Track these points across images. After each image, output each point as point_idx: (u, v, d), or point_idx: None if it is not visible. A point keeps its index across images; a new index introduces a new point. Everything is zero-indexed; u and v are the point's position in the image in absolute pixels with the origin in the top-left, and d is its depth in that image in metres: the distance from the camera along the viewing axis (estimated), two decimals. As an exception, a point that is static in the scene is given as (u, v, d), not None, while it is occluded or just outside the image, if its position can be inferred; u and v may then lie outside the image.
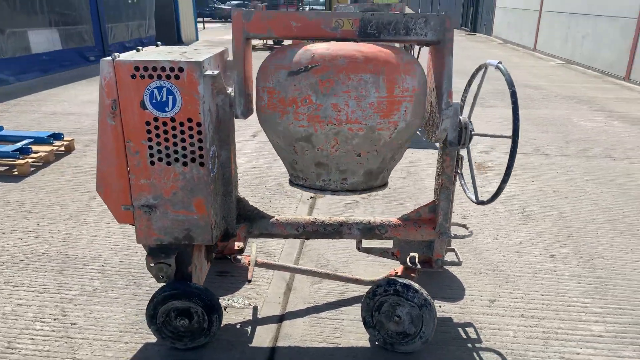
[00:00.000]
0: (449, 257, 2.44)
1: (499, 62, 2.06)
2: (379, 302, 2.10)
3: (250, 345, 2.16)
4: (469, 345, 2.18)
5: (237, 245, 2.68)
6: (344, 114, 1.83)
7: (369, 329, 2.15)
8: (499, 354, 2.12)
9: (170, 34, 14.68)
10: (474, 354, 2.12)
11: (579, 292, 2.58)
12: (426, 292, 2.05)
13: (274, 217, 2.33)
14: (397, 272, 2.50)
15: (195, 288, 2.05)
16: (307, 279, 2.66)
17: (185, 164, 1.94)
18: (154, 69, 1.81)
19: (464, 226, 2.44)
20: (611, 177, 4.25)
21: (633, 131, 5.79)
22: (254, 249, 2.53)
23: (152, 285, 2.57)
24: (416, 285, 2.07)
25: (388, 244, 2.36)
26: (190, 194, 1.99)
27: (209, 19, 28.43)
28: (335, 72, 1.81)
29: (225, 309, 2.38)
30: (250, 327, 2.28)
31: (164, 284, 2.10)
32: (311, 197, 3.76)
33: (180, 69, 1.81)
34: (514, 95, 1.92)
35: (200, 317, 2.07)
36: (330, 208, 3.58)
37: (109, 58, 1.81)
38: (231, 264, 2.76)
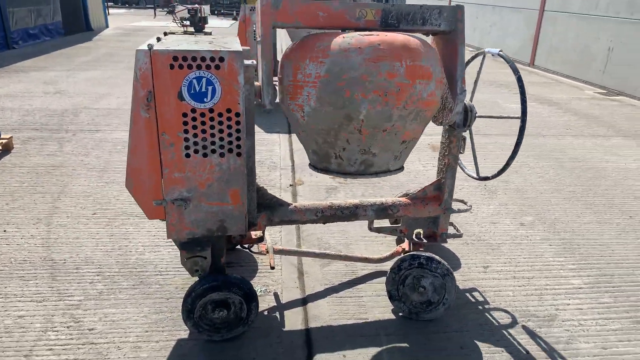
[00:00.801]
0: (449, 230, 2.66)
1: (500, 50, 2.28)
2: (404, 276, 2.26)
3: (284, 329, 2.22)
4: (479, 307, 2.41)
5: (255, 234, 2.67)
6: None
7: (395, 301, 2.30)
8: (507, 312, 2.38)
9: (78, 21, 13.57)
10: (487, 314, 2.36)
11: (552, 252, 2.94)
12: (447, 263, 2.24)
13: (292, 204, 2.37)
14: (403, 248, 2.67)
15: (234, 278, 2.06)
16: (315, 262, 2.74)
17: (222, 154, 1.93)
18: (194, 59, 1.78)
19: (462, 201, 2.66)
20: (546, 152, 4.79)
21: (551, 111, 6.51)
22: (268, 238, 2.56)
23: (160, 283, 2.50)
24: (438, 257, 2.25)
25: (387, 223, 2.52)
26: (226, 185, 1.98)
27: (111, 3, 26.61)
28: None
29: (246, 298, 2.40)
30: (277, 312, 2.32)
31: (199, 277, 2.08)
32: (290, 185, 3.81)
33: (222, 59, 1.79)
34: (520, 80, 2.15)
35: (237, 307, 2.08)
36: (313, 194, 3.66)
37: (145, 47, 1.74)
38: (235, 254, 2.77)
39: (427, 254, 2.26)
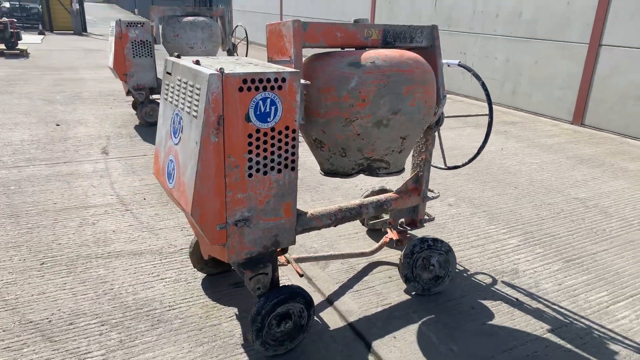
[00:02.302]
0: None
1: (459, 61, 2.78)
2: (416, 258, 2.60)
3: (330, 329, 2.35)
4: (465, 275, 2.89)
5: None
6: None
7: (410, 283, 2.62)
8: (484, 274, 2.91)
9: None
10: (473, 279, 2.84)
11: (484, 222, 3.62)
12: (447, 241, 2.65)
13: (308, 212, 2.51)
14: (390, 238, 3.00)
15: (296, 287, 2.12)
16: (313, 266, 2.89)
17: (279, 170, 2.00)
18: (260, 80, 1.83)
19: (431, 191, 3.11)
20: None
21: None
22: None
23: (181, 317, 2.38)
24: (440, 238, 2.64)
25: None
26: (281, 199, 2.05)
27: None
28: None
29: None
30: (313, 316, 2.44)
31: (259, 295, 2.09)
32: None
33: (284, 79, 1.88)
34: (484, 85, 2.67)
35: (297, 316, 2.15)
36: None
37: (216, 72, 1.73)
38: (238, 274, 2.75)
39: (432, 236, 2.64)
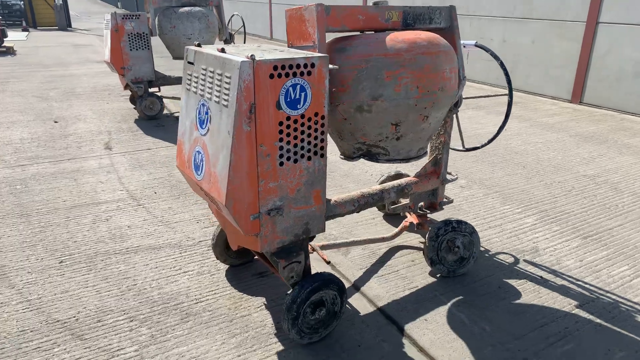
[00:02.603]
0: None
1: (476, 42, 2.76)
2: (441, 241, 2.59)
3: (361, 314, 2.35)
4: (487, 256, 2.89)
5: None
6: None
7: (436, 265, 2.62)
8: (506, 253, 2.91)
9: None
10: (495, 259, 2.85)
11: (498, 202, 3.62)
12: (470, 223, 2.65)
13: (331, 199, 2.49)
14: (411, 222, 3.00)
15: (328, 275, 2.11)
16: (335, 253, 2.88)
17: (309, 158, 1.97)
18: (290, 66, 1.79)
19: (449, 173, 3.11)
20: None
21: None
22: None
23: (209, 309, 2.36)
24: (463, 219, 2.64)
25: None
26: (311, 187, 2.02)
27: None
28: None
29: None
30: (342, 303, 2.43)
31: (293, 283, 2.08)
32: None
33: (312, 65, 1.84)
34: (502, 64, 2.65)
35: (330, 303, 2.14)
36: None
37: (248, 59, 1.69)
38: (261, 263, 2.74)
39: (456, 218, 2.64)
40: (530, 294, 2.52)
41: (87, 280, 2.60)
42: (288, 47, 2.26)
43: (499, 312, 2.37)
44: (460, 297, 2.48)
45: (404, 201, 3.11)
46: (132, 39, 5.46)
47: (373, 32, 2.36)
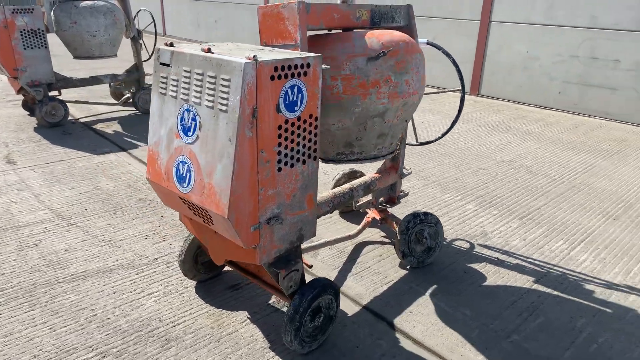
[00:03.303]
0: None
1: (427, 40, 2.86)
2: (410, 233, 2.67)
3: (349, 315, 2.33)
4: (444, 244, 3.04)
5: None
6: (411, 87, 2.25)
7: (407, 258, 2.70)
8: (461, 239, 3.09)
9: None
10: (453, 246, 3.01)
11: (438, 192, 3.83)
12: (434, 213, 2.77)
13: (307, 201, 2.43)
14: (373, 217, 3.04)
15: (324, 280, 2.05)
16: (304, 255, 2.82)
17: (304, 162, 1.90)
18: (289, 67, 1.70)
19: (404, 167, 3.20)
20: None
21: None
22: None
23: (191, 331, 2.18)
24: (429, 211, 2.74)
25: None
26: (305, 191, 1.96)
27: None
28: (404, 54, 2.19)
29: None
30: (326, 306, 2.39)
31: (293, 292, 2.00)
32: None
33: (308, 65, 1.77)
34: (454, 62, 2.78)
35: (326, 308, 2.09)
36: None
37: (250, 60, 1.57)
38: (233, 276, 2.60)
39: (422, 210, 2.73)
40: (493, 276, 2.71)
41: (34, 317, 2.25)
42: (262, 45, 2.15)
43: (472, 296, 2.52)
44: (435, 286, 2.59)
45: (365, 198, 3.15)
46: (26, 37, 4.80)
47: (340, 31, 2.36)
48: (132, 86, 6.01)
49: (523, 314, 2.38)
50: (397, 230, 2.69)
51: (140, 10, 6.05)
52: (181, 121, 1.82)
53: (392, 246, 2.97)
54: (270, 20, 2.09)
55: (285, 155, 1.81)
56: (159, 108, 1.91)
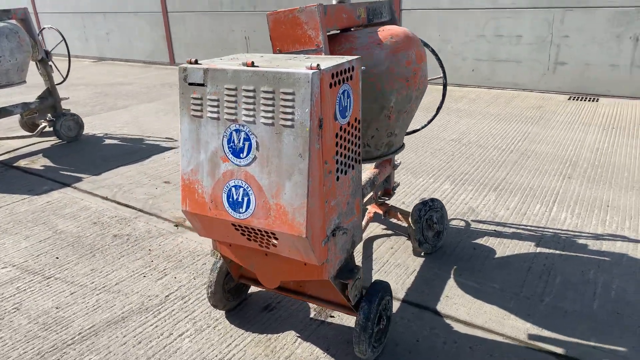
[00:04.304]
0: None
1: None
2: (423, 221, 2.73)
3: (394, 312, 2.33)
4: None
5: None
6: (424, 75, 2.29)
7: (423, 245, 2.76)
8: (457, 219, 3.23)
9: None
10: (451, 226, 3.13)
11: (412, 177, 3.95)
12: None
13: (330, 207, 2.38)
14: (375, 212, 3.05)
15: (380, 281, 2.03)
16: (319, 263, 2.76)
17: (353, 167, 1.85)
18: (341, 72, 1.64)
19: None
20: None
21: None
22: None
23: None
24: (435, 197, 2.83)
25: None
26: (354, 197, 1.92)
27: None
28: (418, 47, 2.22)
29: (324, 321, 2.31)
30: (367, 307, 2.37)
31: (358, 301, 1.94)
32: (176, 226, 3.30)
33: (353, 68, 1.72)
34: (434, 51, 2.88)
35: (386, 309, 2.07)
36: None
37: (315, 70, 1.49)
38: (260, 297, 2.48)
39: (429, 197, 2.80)
40: (499, 247, 2.88)
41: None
42: (275, 53, 2.05)
43: (492, 270, 2.65)
44: (455, 267, 2.69)
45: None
46: None
47: (339, 31, 2.33)
48: (46, 114, 5.39)
49: (542, 277, 2.56)
50: (410, 220, 2.74)
51: (44, 28, 5.42)
52: (229, 143, 1.68)
53: (398, 237, 3.02)
54: (284, 26, 2.00)
55: (341, 163, 1.76)
56: (194, 132, 1.74)
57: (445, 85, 2.92)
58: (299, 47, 2.00)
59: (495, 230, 3.06)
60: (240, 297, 2.42)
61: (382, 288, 2.00)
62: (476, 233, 3.04)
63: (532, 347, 2.09)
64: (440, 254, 2.82)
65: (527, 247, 2.85)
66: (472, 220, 3.21)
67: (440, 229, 2.87)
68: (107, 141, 5.30)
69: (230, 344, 2.17)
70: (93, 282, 2.68)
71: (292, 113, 1.54)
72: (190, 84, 1.72)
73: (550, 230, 3.03)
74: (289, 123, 1.55)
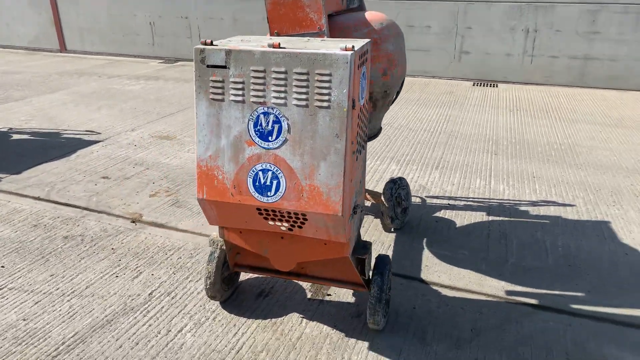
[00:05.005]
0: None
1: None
2: (393, 199, 2.89)
3: (384, 284, 2.45)
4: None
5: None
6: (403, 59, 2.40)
7: (395, 221, 2.92)
8: (414, 196, 3.45)
9: None
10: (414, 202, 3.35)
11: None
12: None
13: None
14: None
15: (382, 255, 2.12)
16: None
17: (364, 147, 1.92)
18: (363, 54, 1.69)
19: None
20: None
21: (166, 84, 7.09)
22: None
23: (259, 350, 2.02)
24: (400, 176, 3.00)
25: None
26: (363, 177, 1.99)
27: None
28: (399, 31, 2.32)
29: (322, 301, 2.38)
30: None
31: (369, 274, 2.02)
32: (132, 222, 3.08)
33: (368, 51, 1.77)
34: (391, 37, 3.02)
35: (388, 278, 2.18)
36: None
37: (350, 51, 1.52)
38: (249, 285, 2.46)
39: (396, 176, 2.97)
40: (456, 218, 3.15)
41: None
42: (272, 35, 2.03)
43: (457, 238, 2.91)
44: (425, 239, 2.90)
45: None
46: None
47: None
48: None
49: (501, 241, 2.87)
50: (382, 199, 2.88)
51: None
52: (256, 126, 1.65)
53: (366, 217, 3.15)
54: (284, 8, 1.99)
55: (358, 143, 1.83)
56: (214, 116, 1.68)
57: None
58: (299, 30, 2.01)
59: (448, 204, 3.34)
60: (233, 286, 2.38)
61: (388, 260, 2.11)
62: (433, 208, 3.29)
63: (511, 301, 2.36)
64: (408, 229, 3.02)
65: (480, 216, 3.17)
66: (426, 197, 3.46)
67: (407, 205, 3.06)
68: (16, 136, 4.72)
69: (236, 332, 2.14)
70: (58, 288, 2.43)
71: (329, 94, 1.57)
72: (209, 66, 1.65)
73: (495, 201, 3.38)
74: (325, 104, 1.58)
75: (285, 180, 1.67)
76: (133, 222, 3.09)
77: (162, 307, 2.30)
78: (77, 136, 4.73)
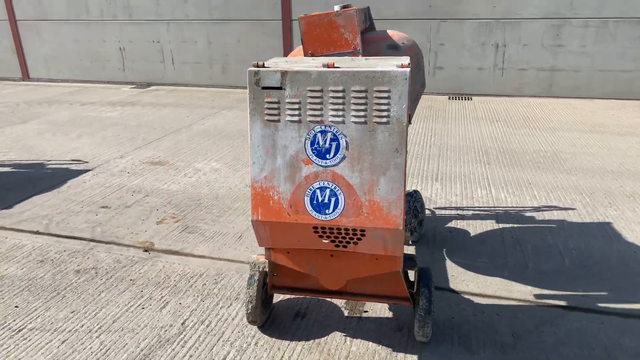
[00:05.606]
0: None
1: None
2: (411, 211, 2.94)
3: (416, 297, 2.47)
4: (409, 215, 3.41)
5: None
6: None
7: (414, 234, 2.96)
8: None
9: None
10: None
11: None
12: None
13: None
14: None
15: (424, 268, 2.15)
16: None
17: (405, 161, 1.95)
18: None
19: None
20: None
21: (144, 110, 6.95)
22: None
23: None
24: (415, 189, 3.05)
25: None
26: (405, 190, 2.01)
27: None
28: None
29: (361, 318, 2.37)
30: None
31: (411, 285, 2.04)
32: (145, 250, 2.97)
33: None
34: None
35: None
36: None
37: (405, 68, 1.56)
38: (282, 307, 2.43)
39: (412, 189, 3.02)
40: (469, 227, 3.23)
41: None
42: (307, 56, 2.06)
43: (474, 247, 2.97)
44: (445, 249, 2.95)
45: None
46: None
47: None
48: None
49: (516, 247, 2.96)
50: (401, 212, 2.92)
51: None
52: (313, 145, 1.66)
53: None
54: (318, 29, 2.02)
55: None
56: (269, 137, 1.68)
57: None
58: (333, 50, 2.04)
59: (457, 214, 3.42)
60: (269, 309, 2.34)
61: (430, 272, 2.14)
62: (444, 218, 3.36)
63: (542, 304, 2.43)
64: (425, 241, 3.07)
65: (490, 224, 3.26)
66: (435, 208, 3.53)
67: (423, 217, 3.12)
68: (-4, 169, 4.50)
69: (282, 356, 2.10)
70: (83, 325, 2.32)
71: (388, 110, 1.60)
72: (264, 87, 1.65)
73: (500, 208, 3.49)
74: (384, 120, 1.61)
75: (344, 197, 1.69)
76: (145, 250, 3.00)
77: (199, 337, 2.23)
78: (63, 166, 4.56)
